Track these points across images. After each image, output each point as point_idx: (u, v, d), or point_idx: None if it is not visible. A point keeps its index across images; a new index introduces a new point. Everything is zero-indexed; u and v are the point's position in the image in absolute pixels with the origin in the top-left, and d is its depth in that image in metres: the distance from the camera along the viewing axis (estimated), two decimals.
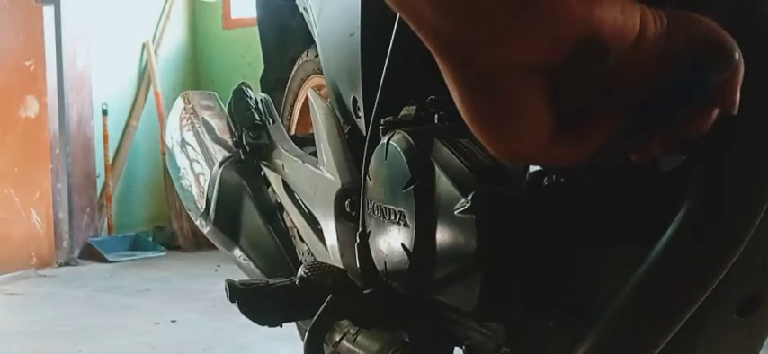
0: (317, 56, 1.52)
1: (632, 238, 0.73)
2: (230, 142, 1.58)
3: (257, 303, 1.11)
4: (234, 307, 1.10)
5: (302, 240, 1.43)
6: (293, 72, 1.85)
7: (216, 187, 1.57)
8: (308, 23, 1.44)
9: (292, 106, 1.88)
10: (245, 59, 5.25)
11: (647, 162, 0.58)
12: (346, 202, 1.16)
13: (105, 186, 5.04)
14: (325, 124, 1.24)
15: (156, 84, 5.28)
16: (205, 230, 1.65)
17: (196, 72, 5.71)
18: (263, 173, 1.55)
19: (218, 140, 1.66)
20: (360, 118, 1.15)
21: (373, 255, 0.98)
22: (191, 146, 1.72)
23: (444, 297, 0.86)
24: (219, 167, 1.58)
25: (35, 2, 4.53)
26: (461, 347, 0.97)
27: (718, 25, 0.50)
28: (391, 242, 0.91)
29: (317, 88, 1.66)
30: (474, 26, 0.45)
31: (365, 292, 1.04)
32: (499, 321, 0.87)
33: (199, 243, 4.77)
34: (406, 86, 1.03)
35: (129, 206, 5.27)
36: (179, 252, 4.92)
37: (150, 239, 5.12)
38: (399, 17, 1.02)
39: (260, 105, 1.55)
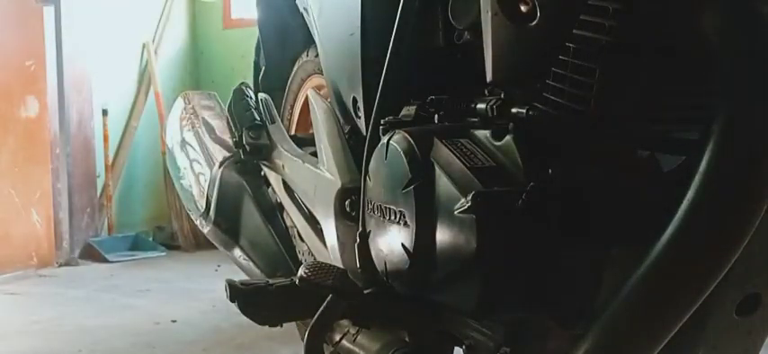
0: (316, 56, 1.52)
1: (632, 238, 0.73)
2: (230, 142, 1.58)
3: (257, 303, 1.11)
4: (234, 307, 1.10)
5: (302, 240, 1.43)
6: (293, 72, 1.85)
7: (216, 187, 1.57)
8: (308, 23, 1.44)
9: (292, 106, 1.88)
10: (245, 59, 5.24)
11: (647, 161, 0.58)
12: (346, 202, 1.16)
13: (105, 186, 5.03)
14: (325, 124, 1.24)
15: (156, 85, 5.27)
16: (205, 230, 1.65)
17: (196, 72, 5.70)
18: (263, 173, 1.55)
19: (218, 140, 1.66)
20: (360, 118, 1.15)
21: (373, 255, 0.98)
22: (191, 145, 1.72)
23: (444, 297, 0.86)
24: (219, 167, 1.58)
25: (35, 2, 4.52)
26: (461, 347, 0.97)
27: None
28: (391, 242, 0.91)
29: (317, 88, 1.66)
30: None
31: (365, 292, 1.04)
32: (499, 321, 0.87)
33: (199, 243, 4.76)
34: (406, 86, 1.03)
35: (129, 206, 5.26)
36: (179, 252, 4.91)
37: (150, 239, 5.11)
38: (399, 17, 1.02)
39: (260, 105, 1.55)
